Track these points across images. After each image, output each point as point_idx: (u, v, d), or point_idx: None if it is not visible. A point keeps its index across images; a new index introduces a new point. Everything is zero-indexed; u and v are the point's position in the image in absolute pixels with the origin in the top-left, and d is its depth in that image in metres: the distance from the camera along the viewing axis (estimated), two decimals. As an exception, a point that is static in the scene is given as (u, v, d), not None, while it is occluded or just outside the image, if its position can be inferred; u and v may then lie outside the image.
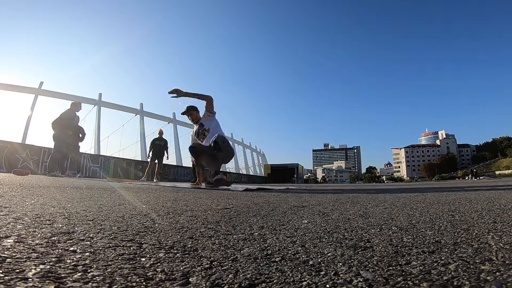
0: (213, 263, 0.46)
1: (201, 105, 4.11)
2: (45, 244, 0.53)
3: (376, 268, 0.44)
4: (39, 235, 0.60)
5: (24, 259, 0.44)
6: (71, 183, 2.98)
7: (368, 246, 0.59)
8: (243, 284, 0.38)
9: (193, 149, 3.92)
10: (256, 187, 3.61)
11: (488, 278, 0.39)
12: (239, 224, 0.85)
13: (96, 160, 10.92)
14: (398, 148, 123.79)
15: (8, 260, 0.43)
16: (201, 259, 0.48)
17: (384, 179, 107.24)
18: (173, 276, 0.40)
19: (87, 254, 0.49)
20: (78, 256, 0.47)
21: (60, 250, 0.50)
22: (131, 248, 0.54)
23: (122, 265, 0.43)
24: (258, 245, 0.59)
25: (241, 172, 30.68)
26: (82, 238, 0.60)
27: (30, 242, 0.54)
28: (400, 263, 0.47)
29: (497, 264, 0.45)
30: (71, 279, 0.37)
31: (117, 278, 0.38)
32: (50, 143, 6.63)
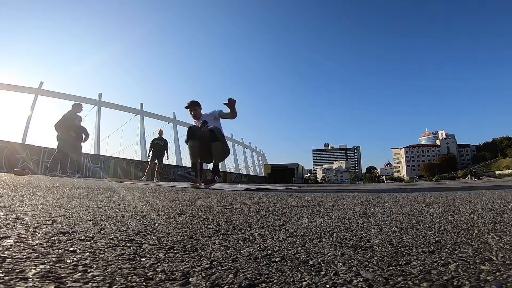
0: (213, 263, 0.46)
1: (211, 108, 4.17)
2: (45, 244, 0.53)
3: (376, 268, 0.44)
4: (39, 235, 0.60)
5: (24, 259, 0.44)
6: (71, 183, 2.98)
7: (368, 246, 0.59)
8: (243, 284, 0.38)
9: (191, 130, 3.74)
10: (256, 187, 3.61)
11: (488, 278, 0.39)
12: (239, 224, 0.85)
13: (96, 160, 10.92)
14: (398, 148, 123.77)
15: (8, 260, 0.43)
16: (201, 259, 0.48)
17: (384, 179, 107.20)
18: (173, 276, 0.40)
19: (87, 254, 0.49)
20: (78, 256, 0.47)
21: (60, 250, 0.50)
22: (131, 248, 0.54)
23: (122, 265, 0.43)
24: (258, 245, 0.59)
25: (241, 172, 30.68)
26: (82, 238, 0.60)
27: (30, 242, 0.54)
28: (400, 263, 0.47)
29: (497, 264, 0.45)
30: (71, 279, 0.37)
31: (117, 278, 0.38)
32: (50, 143, 6.65)
